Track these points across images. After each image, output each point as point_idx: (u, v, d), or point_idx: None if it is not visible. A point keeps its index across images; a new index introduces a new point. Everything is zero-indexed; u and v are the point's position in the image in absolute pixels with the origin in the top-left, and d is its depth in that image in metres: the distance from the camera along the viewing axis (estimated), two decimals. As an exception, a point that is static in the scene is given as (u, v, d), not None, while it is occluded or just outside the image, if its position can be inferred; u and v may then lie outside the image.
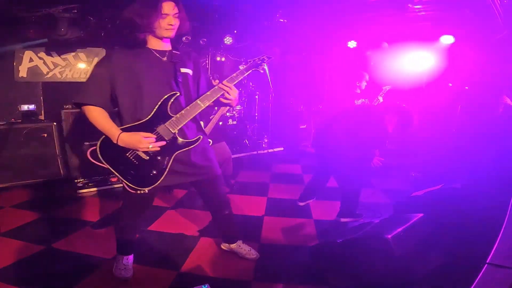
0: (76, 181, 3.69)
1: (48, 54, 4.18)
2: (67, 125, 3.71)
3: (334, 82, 6.74)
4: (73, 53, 4.34)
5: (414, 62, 5.13)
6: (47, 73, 4.22)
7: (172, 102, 1.67)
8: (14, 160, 3.50)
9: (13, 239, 2.43)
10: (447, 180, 3.16)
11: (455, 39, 4.47)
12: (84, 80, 4.39)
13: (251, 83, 6.19)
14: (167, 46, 1.78)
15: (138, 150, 1.61)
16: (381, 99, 4.43)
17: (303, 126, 6.43)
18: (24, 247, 2.32)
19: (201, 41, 5.15)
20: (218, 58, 5.95)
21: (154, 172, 1.65)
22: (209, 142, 2.00)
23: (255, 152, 5.49)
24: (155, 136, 1.61)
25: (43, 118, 4.09)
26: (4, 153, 3.46)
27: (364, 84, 4.61)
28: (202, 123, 2.03)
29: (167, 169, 1.67)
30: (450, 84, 4.13)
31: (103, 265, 2.14)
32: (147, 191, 1.63)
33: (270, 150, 5.73)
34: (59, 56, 4.26)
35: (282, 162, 5.36)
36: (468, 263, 1.97)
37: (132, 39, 1.66)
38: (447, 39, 4.56)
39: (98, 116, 1.62)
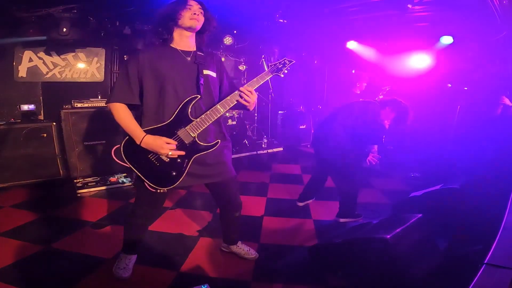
0: (75, 181, 3.70)
1: (48, 54, 4.17)
2: (66, 125, 3.71)
3: (335, 82, 6.75)
4: (72, 53, 4.34)
5: (413, 62, 5.14)
6: (47, 73, 4.21)
7: (193, 105, 1.70)
8: (14, 160, 3.50)
9: (13, 239, 2.43)
10: (445, 181, 3.17)
11: (454, 39, 4.48)
12: (84, 80, 4.46)
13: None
14: (192, 47, 1.80)
15: (159, 154, 1.66)
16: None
17: (302, 126, 6.44)
18: (24, 247, 2.32)
19: (200, 41, 5.14)
20: (218, 58, 5.94)
21: (174, 173, 1.71)
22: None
23: (254, 152, 5.49)
24: (176, 142, 1.66)
25: (42, 118, 4.08)
26: (4, 153, 3.45)
27: (364, 85, 4.61)
28: None
29: (186, 171, 1.72)
30: (450, 85, 4.14)
31: (102, 265, 2.15)
32: (166, 190, 1.72)
33: (269, 150, 5.73)
34: (59, 56, 4.25)
35: (282, 162, 5.37)
36: (466, 263, 1.98)
37: (160, 36, 1.72)
38: (446, 40, 4.57)
39: (123, 115, 1.67)
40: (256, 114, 6.30)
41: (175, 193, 3.59)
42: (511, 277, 1.34)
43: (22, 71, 4.06)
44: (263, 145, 5.82)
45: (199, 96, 1.71)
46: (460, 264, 2.03)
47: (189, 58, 1.76)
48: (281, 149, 5.91)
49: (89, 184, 3.66)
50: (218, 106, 1.71)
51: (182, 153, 1.68)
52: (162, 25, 1.72)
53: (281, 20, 4.54)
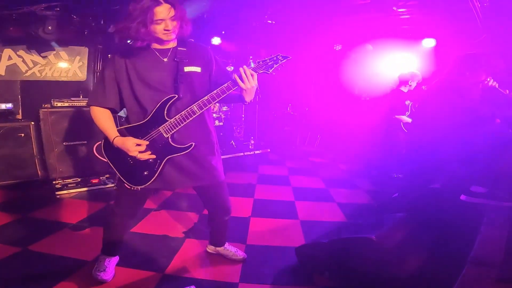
0: (54, 182, 3.57)
1: (28, 52, 4.03)
2: (45, 125, 3.58)
3: (322, 84, 6.81)
4: (54, 52, 4.21)
5: (396, 64, 5.23)
6: (26, 71, 4.06)
7: (170, 105, 1.65)
8: (-11, 161, 3.34)
9: (-13, 242, 2.31)
10: (427, 180, 3.22)
11: (436, 42, 4.60)
12: (65, 79, 4.32)
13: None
14: (171, 44, 1.71)
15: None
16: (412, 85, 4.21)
17: (289, 128, 6.46)
18: (-2, 250, 2.21)
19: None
20: (205, 59, 5.91)
21: (146, 172, 1.71)
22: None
23: (241, 154, 5.46)
24: (146, 143, 1.65)
25: (20, 118, 3.94)
26: (-21, 154, 3.30)
27: (415, 84, 4.42)
28: None
29: (158, 172, 1.70)
30: (424, 87, 4.22)
31: (81, 267, 2.06)
32: (139, 189, 1.73)
33: (256, 152, 5.71)
34: (39, 54, 4.11)
35: (269, 164, 5.36)
36: (450, 261, 2.01)
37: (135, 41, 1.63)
38: (428, 42, 4.69)
39: (99, 116, 1.72)
40: (243, 115, 6.27)
41: (160, 194, 3.52)
42: (495, 274, 1.36)
43: (0, 70, 3.90)
44: (250, 147, 5.80)
45: (176, 96, 1.65)
46: (444, 262, 2.06)
47: (166, 59, 1.68)
48: (268, 150, 5.90)
49: (69, 185, 3.54)
50: (194, 106, 1.63)
51: (152, 156, 1.65)
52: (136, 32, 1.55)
53: (270, 21, 4.55)
